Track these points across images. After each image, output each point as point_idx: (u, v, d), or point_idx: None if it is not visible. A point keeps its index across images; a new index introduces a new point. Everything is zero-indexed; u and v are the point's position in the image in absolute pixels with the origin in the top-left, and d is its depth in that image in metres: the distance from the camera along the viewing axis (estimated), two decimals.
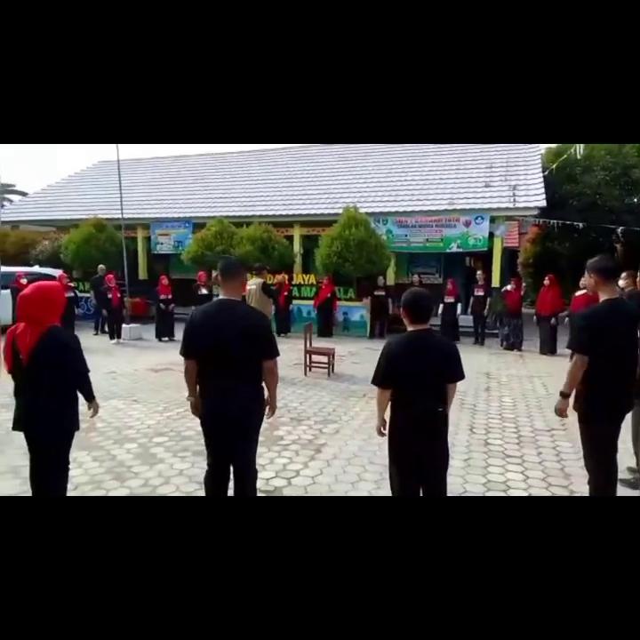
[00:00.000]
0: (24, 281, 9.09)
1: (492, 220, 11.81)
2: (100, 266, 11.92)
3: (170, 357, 8.69)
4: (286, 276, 11.77)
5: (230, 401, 2.70)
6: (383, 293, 11.40)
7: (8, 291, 9.04)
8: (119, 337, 10.43)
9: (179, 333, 10.79)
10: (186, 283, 12.41)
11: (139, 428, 4.95)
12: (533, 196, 11.72)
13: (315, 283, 12.35)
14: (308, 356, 7.44)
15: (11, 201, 28.61)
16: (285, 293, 11.44)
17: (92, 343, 10.13)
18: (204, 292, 11.09)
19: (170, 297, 10.58)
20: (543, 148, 15.50)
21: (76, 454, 3.13)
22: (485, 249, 11.80)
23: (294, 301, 11.93)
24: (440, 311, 10.94)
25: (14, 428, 2.91)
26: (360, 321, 11.74)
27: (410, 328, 2.65)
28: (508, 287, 9.89)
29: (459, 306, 10.78)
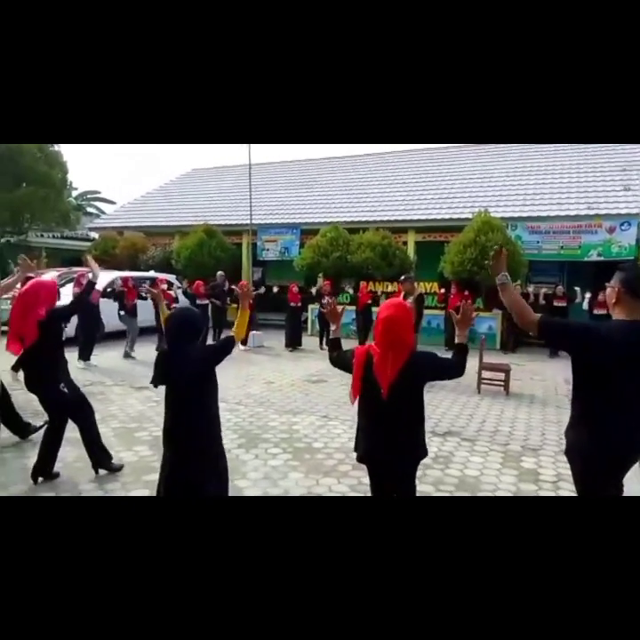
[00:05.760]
0: (164, 286, 8.99)
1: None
2: (220, 272, 11.78)
3: (315, 367, 8.31)
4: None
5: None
6: None
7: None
8: (245, 344, 10.17)
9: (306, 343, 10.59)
10: (284, 290, 12.01)
11: None
12: None
13: (437, 291, 11.75)
14: (480, 371, 6.80)
15: (98, 208, 29.80)
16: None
17: None
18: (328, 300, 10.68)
19: (299, 305, 10.21)
20: None
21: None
22: (632, 257, 10.76)
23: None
24: None
25: (360, 461, 2.49)
26: (489, 333, 10.96)
27: None
28: None
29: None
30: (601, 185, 12.17)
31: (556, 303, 10.23)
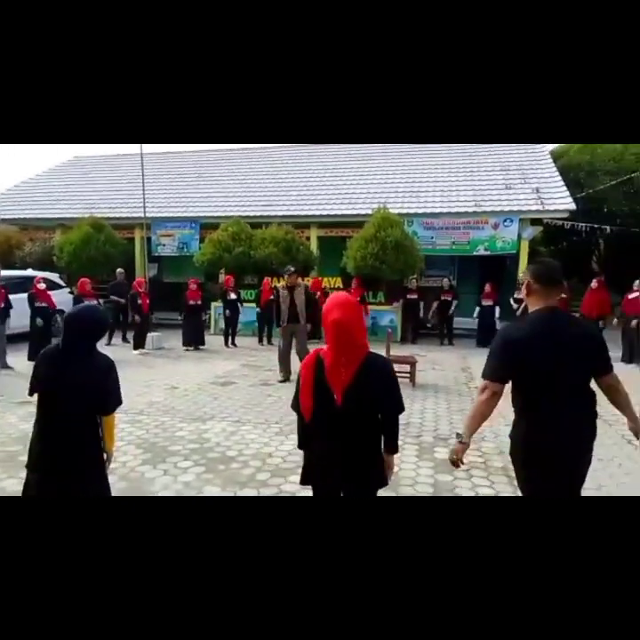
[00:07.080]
0: (42, 285, 8.02)
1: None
2: (119, 270, 10.96)
3: (221, 368, 7.95)
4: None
5: (576, 428, 2.19)
6: (415, 296, 11.07)
7: (25, 295, 7.96)
8: (142, 346, 9.47)
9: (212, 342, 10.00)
10: (181, 286, 11.44)
11: (282, 456, 4.27)
12: (559, 198, 11.78)
13: (341, 286, 11.87)
14: None
15: None
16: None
17: (113, 354, 9.05)
18: (233, 296, 10.30)
19: (199, 303, 9.70)
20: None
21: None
22: (514, 252, 11.72)
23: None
24: (476, 315, 10.78)
25: (302, 483, 2.24)
26: (390, 325, 11.33)
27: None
28: (593, 286, 9.34)
29: (497, 310, 10.58)
30: (486, 184, 13.08)
31: (442, 297, 10.84)
